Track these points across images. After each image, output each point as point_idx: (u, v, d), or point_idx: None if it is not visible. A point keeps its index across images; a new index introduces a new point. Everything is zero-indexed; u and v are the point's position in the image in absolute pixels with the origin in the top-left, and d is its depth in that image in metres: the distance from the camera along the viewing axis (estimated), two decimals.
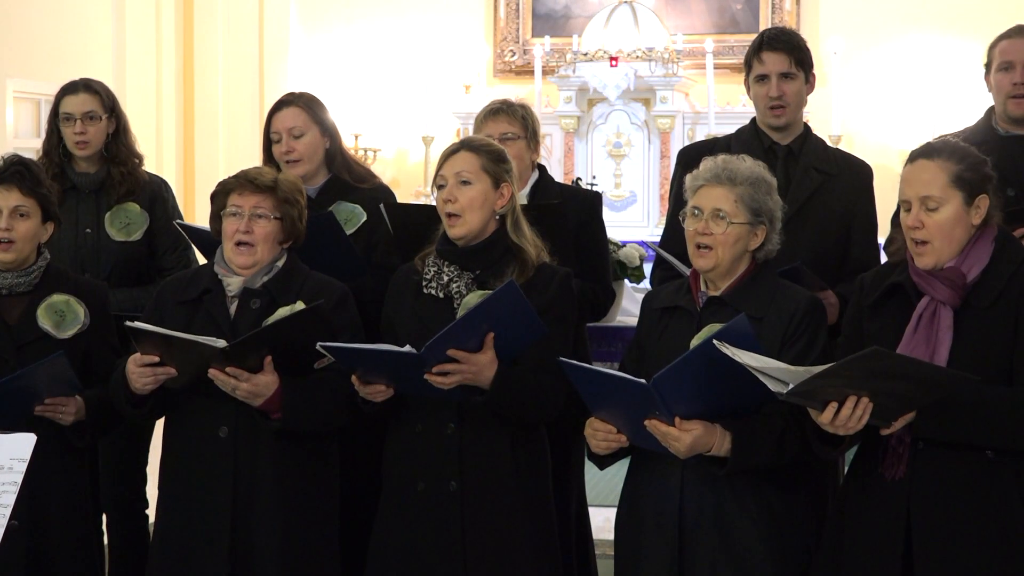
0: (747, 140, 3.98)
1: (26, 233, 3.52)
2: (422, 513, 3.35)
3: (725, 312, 3.09)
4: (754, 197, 3.17)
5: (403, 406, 3.38)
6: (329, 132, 4.15)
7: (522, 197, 3.93)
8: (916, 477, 2.93)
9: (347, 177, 4.15)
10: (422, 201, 9.12)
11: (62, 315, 3.55)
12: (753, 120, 4.06)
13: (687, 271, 3.40)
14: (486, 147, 3.44)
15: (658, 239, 4.21)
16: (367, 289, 3.77)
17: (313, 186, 4.10)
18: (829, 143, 4.07)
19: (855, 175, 4.02)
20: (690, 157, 4.01)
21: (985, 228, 2.99)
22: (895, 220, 3.67)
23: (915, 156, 3.04)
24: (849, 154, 4.23)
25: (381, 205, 3.95)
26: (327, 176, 4.15)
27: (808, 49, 4.01)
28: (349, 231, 4.01)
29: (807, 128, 4.07)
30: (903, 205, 3.02)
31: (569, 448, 3.97)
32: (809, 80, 3.99)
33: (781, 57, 3.92)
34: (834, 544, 3.08)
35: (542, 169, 4.25)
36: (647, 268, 6.12)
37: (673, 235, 3.98)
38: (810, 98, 4.12)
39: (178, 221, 4.36)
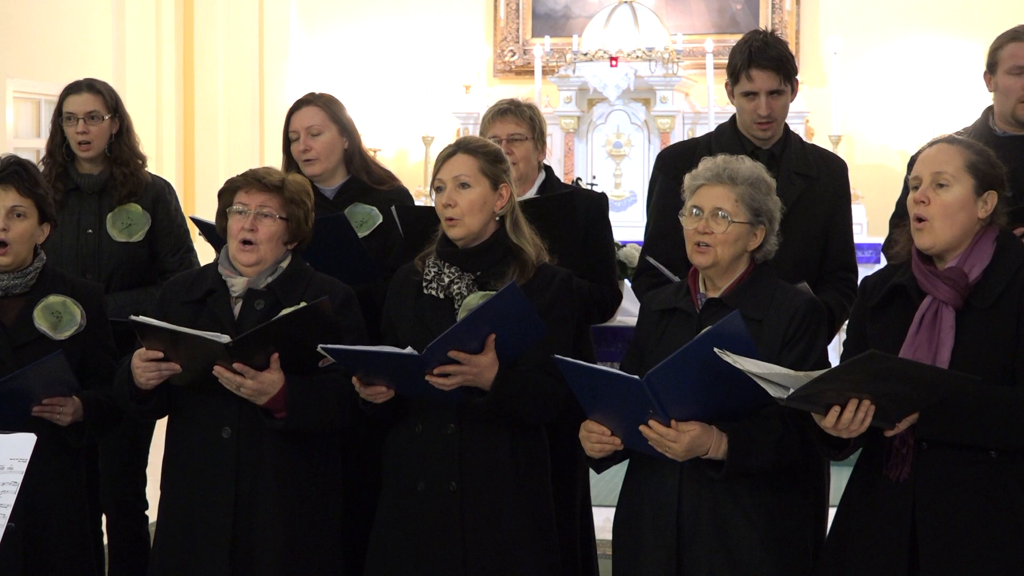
0: (728, 143, 3.94)
1: (23, 234, 3.51)
2: (422, 513, 3.35)
3: (724, 314, 3.08)
4: (754, 197, 3.17)
5: (403, 406, 3.38)
6: (348, 132, 4.14)
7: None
8: (920, 478, 2.93)
9: (365, 178, 4.14)
10: (422, 201, 9.13)
11: (59, 316, 3.54)
12: (732, 120, 4.04)
13: (675, 278, 3.39)
14: (483, 148, 3.43)
15: None
16: (380, 292, 3.75)
17: (331, 187, 4.10)
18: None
19: (834, 176, 4.02)
20: (669, 160, 4.02)
21: (988, 228, 3.00)
22: (893, 221, 3.67)
23: (936, 141, 3.08)
24: (825, 151, 4.21)
25: (393, 207, 3.94)
26: (345, 177, 4.14)
27: (791, 56, 3.99)
28: (364, 233, 4.00)
29: (786, 129, 4.05)
30: (912, 183, 3.03)
31: (575, 448, 3.96)
32: (794, 88, 3.98)
33: (770, 76, 3.88)
34: (838, 545, 3.07)
35: (548, 170, 4.25)
36: None
37: (657, 242, 3.96)
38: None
39: (192, 216, 4.37)
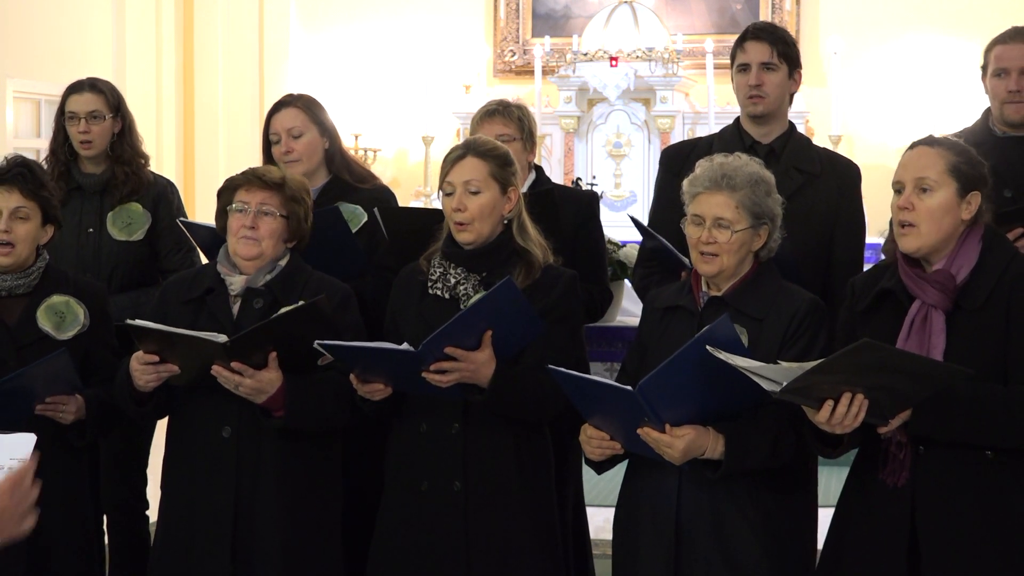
0: (729, 139, 3.92)
1: (26, 235, 3.51)
2: (425, 513, 3.35)
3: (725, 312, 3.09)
4: (755, 200, 3.16)
5: (406, 406, 3.38)
6: (328, 133, 4.15)
7: None
8: (919, 483, 2.93)
9: (347, 177, 4.15)
10: (422, 201, 9.13)
11: (62, 316, 3.55)
12: (737, 119, 4.02)
13: (677, 252, 3.35)
14: (492, 152, 3.40)
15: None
16: (367, 290, 3.76)
17: (314, 187, 4.09)
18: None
19: (840, 175, 3.95)
20: (672, 158, 4.00)
21: (973, 228, 3.00)
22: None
23: (916, 144, 3.06)
24: (836, 153, 4.16)
25: (375, 210, 3.95)
26: (327, 177, 4.15)
27: (794, 45, 3.96)
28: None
29: (791, 127, 4.01)
30: (895, 187, 3.03)
31: (567, 447, 3.97)
32: (794, 76, 3.93)
33: (763, 47, 3.87)
34: (836, 550, 3.07)
35: (539, 170, 4.25)
36: None
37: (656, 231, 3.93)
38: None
39: (181, 219, 4.37)
